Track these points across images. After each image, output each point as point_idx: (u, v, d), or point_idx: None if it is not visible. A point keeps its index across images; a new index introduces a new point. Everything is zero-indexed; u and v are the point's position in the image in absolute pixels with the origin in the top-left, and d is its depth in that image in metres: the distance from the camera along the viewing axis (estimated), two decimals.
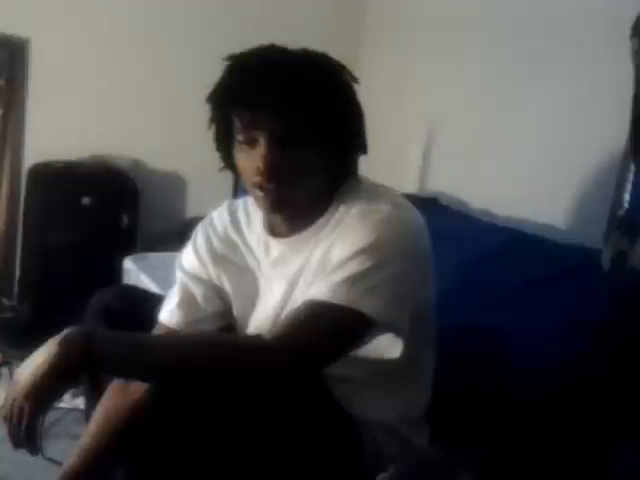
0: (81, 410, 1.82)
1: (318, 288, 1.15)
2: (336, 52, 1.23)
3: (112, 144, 2.88)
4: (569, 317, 1.50)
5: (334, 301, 1.12)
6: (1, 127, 2.80)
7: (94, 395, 1.37)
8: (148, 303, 1.41)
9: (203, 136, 1.29)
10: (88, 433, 1.29)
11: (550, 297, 1.60)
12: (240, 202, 1.41)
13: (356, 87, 1.24)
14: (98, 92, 2.86)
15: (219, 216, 1.41)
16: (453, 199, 2.46)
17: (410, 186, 2.63)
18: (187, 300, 1.35)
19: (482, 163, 2.39)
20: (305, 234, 1.27)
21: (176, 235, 2.63)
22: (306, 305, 1.14)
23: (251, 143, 1.18)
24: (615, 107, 1.69)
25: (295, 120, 1.15)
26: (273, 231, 1.31)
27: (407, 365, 1.27)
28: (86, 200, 2.74)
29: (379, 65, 2.91)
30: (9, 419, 1.07)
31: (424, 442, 1.37)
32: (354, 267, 1.13)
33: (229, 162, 1.28)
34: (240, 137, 1.19)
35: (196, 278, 1.37)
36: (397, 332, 1.23)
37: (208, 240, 1.38)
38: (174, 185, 3.10)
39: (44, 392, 1.05)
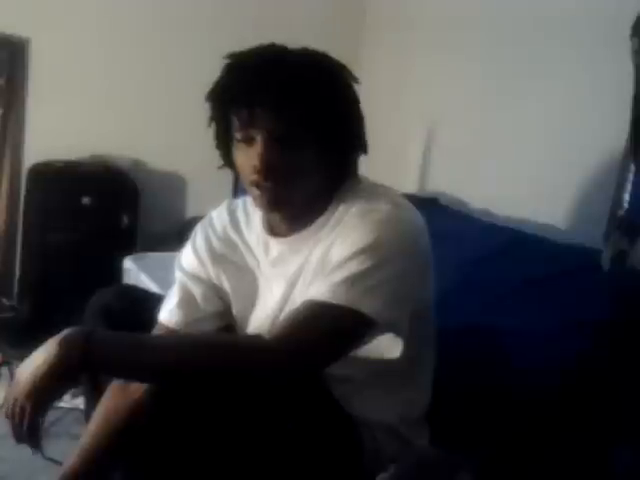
0: (81, 410, 1.82)
1: (318, 288, 1.15)
2: (336, 52, 1.22)
3: (112, 144, 2.88)
4: (569, 317, 1.50)
5: (334, 301, 1.12)
6: (1, 127, 2.80)
7: (94, 395, 1.37)
8: (148, 303, 1.41)
9: (203, 136, 1.29)
10: (88, 433, 1.29)
11: (550, 297, 1.60)
12: (239, 202, 1.41)
13: (356, 87, 1.24)
14: (98, 92, 2.86)
15: (218, 216, 1.41)
16: (453, 199, 2.46)
17: (410, 186, 2.63)
18: (186, 300, 1.35)
19: (482, 163, 2.39)
20: (304, 233, 1.26)
21: (176, 235, 2.63)
22: (306, 305, 1.14)
23: (249, 141, 1.18)
24: (615, 107, 1.69)
25: (293, 119, 1.15)
26: (272, 231, 1.31)
27: (407, 365, 1.27)
28: (86, 200, 2.74)
29: (379, 65, 2.91)
30: (11, 417, 1.08)
31: (424, 442, 1.37)
32: (354, 267, 1.13)
33: (228, 160, 1.28)
34: (238, 135, 1.19)
35: (195, 278, 1.37)
36: (397, 332, 1.23)
37: (207, 240, 1.38)
38: (174, 185, 3.10)
39: (44, 392, 1.05)
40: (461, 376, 1.49)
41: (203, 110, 1.24)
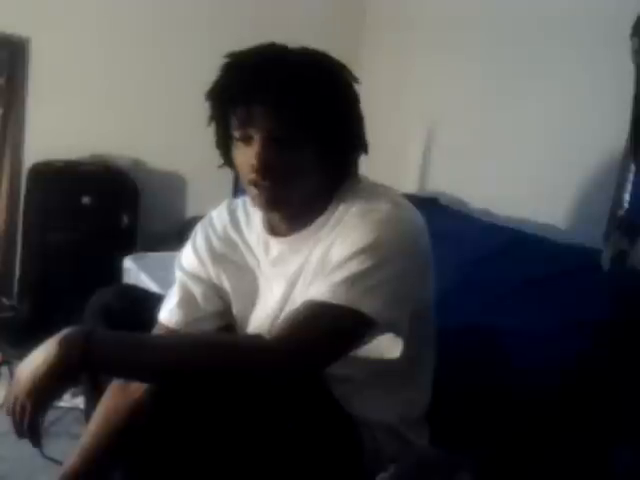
0: (81, 409, 1.82)
1: (318, 288, 1.15)
2: (336, 52, 1.22)
3: (112, 143, 2.87)
4: (569, 317, 1.50)
5: (334, 301, 1.11)
6: (1, 126, 2.80)
7: (94, 395, 1.37)
8: (148, 303, 1.41)
9: (203, 136, 1.29)
10: (88, 433, 1.30)
11: (550, 297, 1.60)
12: (239, 201, 1.41)
13: (356, 87, 1.23)
14: (98, 91, 2.86)
15: (218, 215, 1.41)
16: (453, 199, 2.46)
17: (410, 186, 2.63)
18: (187, 299, 1.35)
19: (482, 163, 2.39)
20: (304, 233, 1.26)
21: (176, 234, 2.63)
22: (306, 305, 1.14)
23: (247, 140, 1.18)
24: (615, 107, 1.69)
25: (291, 118, 1.15)
26: (273, 230, 1.31)
27: (407, 365, 1.27)
28: (86, 199, 2.74)
29: (379, 65, 2.91)
30: (12, 415, 1.08)
31: (424, 442, 1.37)
32: (354, 267, 1.13)
33: (228, 160, 1.28)
34: (237, 134, 1.19)
35: (196, 277, 1.37)
36: (397, 332, 1.23)
37: (207, 239, 1.38)
38: (174, 185, 3.10)
39: (44, 392, 1.06)
40: (461, 376, 1.49)
41: (203, 110, 1.24)
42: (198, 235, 1.40)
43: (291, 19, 2.89)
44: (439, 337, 1.36)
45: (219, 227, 1.39)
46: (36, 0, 2.73)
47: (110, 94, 2.88)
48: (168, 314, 1.34)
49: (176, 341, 1.22)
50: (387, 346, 1.24)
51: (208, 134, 1.27)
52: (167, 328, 1.33)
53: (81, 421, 1.64)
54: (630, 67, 1.56)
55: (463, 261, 1.79)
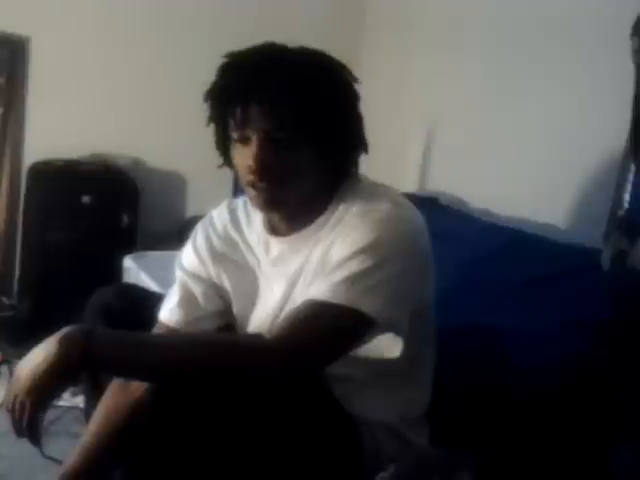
0: (80, 408, 1.82)
1: (318, 287, 1.15)
2: (336, 52, 1.22)
3: (112, 143, 2.88)
4: (569, 317, 1.50)
5: (334, 301, 1.11)
6: (1, 125, 2.80)
7: (94, 394, 1.37)
8: (148, 302, 1.41)
9: (203, 135, 1.29)
10: (88, 432, 1.30)
11: (550, 297, 1.60)
12: (240, 201, 1.41)
13: (356, 87, 1.23)
14: (98, 91, 2.86)
15: (219, 215, 1.41)
16: (453, 199, 2.46)
17: (410, 186, 2.63)
18: (187, 299, 1.35)
19: (482, 163, 2.39)
20: (305, 233, 1.26)
21: (176, 234, 2.63)
22: (306, 304, 1.14)
23: (245, 141, 1.18)
24: (615, 107, 1.69)
25: (289, 119, 1.15)
26: (273, 230, 1.31)
27: (407, 365, 1.27)
28: (86, 199, 2.75)
29: (379, 65, 2.91)
30: (11, 413, 1.08)
31: (424, 442, 1.37)
32: (354, 266, 1.13)
33: (228, 160, 1.28)
34: (235, 135, 1.19)
35: (196, 277, 1.37)
36: (397, 332, 1.23)
37: (208, 239, 1.38)
38: (174, 184, 3.10)
39: (44, 390, 1.06)
40: (461, 376, 1.49)
41: (203, 109, 1.24)
42: (198, 234, 1.40)
43: (291, 19, 2.89)
44: (439, 337, 1.36)
45: (219, 226, 1.39)
46: None
47: (110, 93, 2.88)
48: (168, 313, 1.34)
49: (176, 340, 1.22)
50: (387, 346, 1.24)
51: (208, 134, 1.27)
52: (167, 327, 1.33)
53: (81, 420, 1.64)
54: (630, 67, 1.56)
55: (463, 261, 1.79)
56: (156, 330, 1.34)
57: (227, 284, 1.36)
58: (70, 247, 2.73)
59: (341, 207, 1.23)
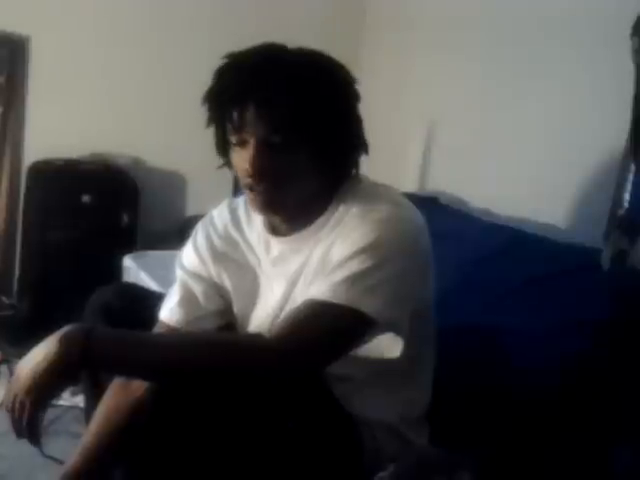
0: (80, 408, 1.82)
1: (318, 287, 1.15)
2: (336, 52, 1.22)
3: (112, 142, 2.88)
4: (569, 317, 1.50)
5: (334, 300, 1.12)
6: (1, 125, 2.80)
7: (94, 393, 1.37)
8: (148, 301, 1.41)
9: (203, 135, 1.28)
10: (89, 432, 1.29)
11: (550, 296, 1.60)
12: (240, 200, 1.40)
13: (356, 87, 1.23)
14: (98, 90, 2.86)
15: (219, 214, 1.41)
16: (453, 198, 2.47)
17: (410, 185, 2.63)
18: (187, 298, 1.35)
19: (482, 163, 2.39)
20: (305, 233, 1.26)
21: (176, 233, 2.63)
22: (306, 304, 1.14)
23: (243, 144, 1.18)
24: (615, 107, 1.69)
25: (286, 122, 1.15)
26: (273, 230, 1.31)
27: (407, 365, 1.27)
28: (86, 198, 2.75)
29: (379, 65, 2.91)
30: (11, 412, 1.08)
31: (424, 442, 1.37)
32: (354, 266, 1.13)
33: (227, 161, 1.28)
34: (233, 139, 1.19)
35: (196, 276, 1.37)
36: (397, 331, 1.23)
37: (208, 238, 1.38)
38: (174, 183, 3.10)
39: (44, 389, 1.06)
40: (461, 376, 1.49)
41: (203, 109, 1.24)
42: (199, 234, 1.40)
43: (291, 19, 2.89)
44: (439, 337, 1.36)
45: (220, 226, 1.39)
46: None
47: (110, 93, 2.88)
48: (169, 312, 1.34)
49: (177, 339, 1.22)
50: (387, 345, 1.24)
51: (208, 133, 1.27)
52: (168, 326, 1.33)
53: (81, 420, 1.64)
54: (630, 67, 1.56)
55: (463, 261, 1.79)
56: (156, 329, 1.34)
57: (228, 283, 1.36)
58: (70, 246, 2.73)
59: (341, 208, 1.23)
